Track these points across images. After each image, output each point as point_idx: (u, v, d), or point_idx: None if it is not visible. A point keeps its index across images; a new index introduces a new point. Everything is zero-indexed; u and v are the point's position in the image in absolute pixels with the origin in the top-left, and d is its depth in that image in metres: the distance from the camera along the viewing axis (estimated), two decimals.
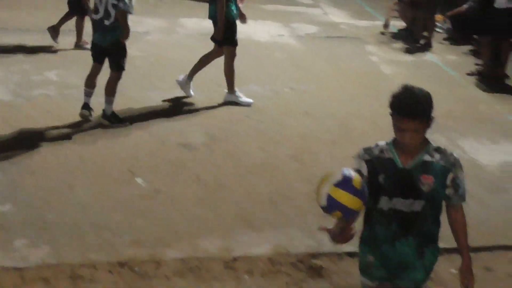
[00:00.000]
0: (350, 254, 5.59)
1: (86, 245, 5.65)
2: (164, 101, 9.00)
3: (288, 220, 6.30)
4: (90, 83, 8.11)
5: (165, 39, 11.57)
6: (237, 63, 10.34)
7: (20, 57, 10.21)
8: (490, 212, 6.61)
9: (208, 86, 9.58)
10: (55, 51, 10.49)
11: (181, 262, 5.49)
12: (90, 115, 8.04)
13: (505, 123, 8.92)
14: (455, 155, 3.64)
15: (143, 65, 9.63)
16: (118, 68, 8.05)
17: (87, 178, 6.89)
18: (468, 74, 10.48)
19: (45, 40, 10.90)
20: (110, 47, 8.00)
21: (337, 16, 13.76)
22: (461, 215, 3.69)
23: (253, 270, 5.42)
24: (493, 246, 5.96)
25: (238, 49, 11.01)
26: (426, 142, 3.58)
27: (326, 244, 5.55)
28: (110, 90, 8.02)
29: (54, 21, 11.13)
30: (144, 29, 10.77)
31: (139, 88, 9.03)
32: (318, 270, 5.50)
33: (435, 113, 7.99)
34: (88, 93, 8.07)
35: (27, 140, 7.60)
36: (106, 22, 7.84)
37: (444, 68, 10.72)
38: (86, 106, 8.03)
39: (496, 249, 5.95)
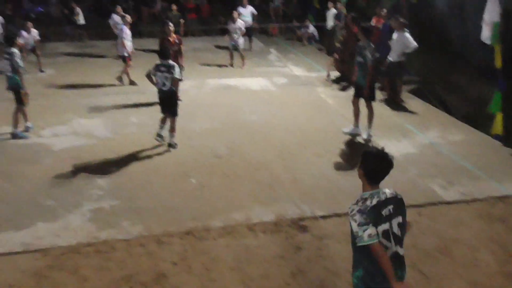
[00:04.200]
0: (323, 217, 5.91)
1: (164, 222, 5.89)
2: (200, 129, 9.06)
3: (282, 197, 6.44)
4: (162, 120, 8.20)
5: (198, 91, 11.58)
6: (240, 103, 10.64)
7: (113, 109, 10.27)
8: (399, 184, 6.51)
9: (220, 118, 9.65)
10: (135, 105, 10.45)
11: (222, 228, 5.71)
12: (160, 139, 8.16)
13: (403, 129, 8.92)
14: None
15: (186, 107, 9.72)
16: (174, 114, 8.19)
17: (160, 178, 7.08)
18: (379, 101, 10.64)
19: (125, 98, 11.00)
20: (168, 100, 8.11)
21: (298, 71, 13.71)
22: None
23: (265, 230, 5.68)
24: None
25: (241, 94, 11.29)
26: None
27: (307, 212, 6.01)
28: (173, 128, 8.18)
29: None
30: (184, 87, 10.90)
31: (185, 121, 8.96)
32: (304, 228, 5.69)
33: (363, 125, 8.18)
34: (161, 127, 8.16)
35: (122, 159, 7.77)
36: (164, 88, 7.96)
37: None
38: (159, 136, 8.15)
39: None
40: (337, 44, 12.71)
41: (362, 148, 8.13)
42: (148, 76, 8.06)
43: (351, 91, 11.41)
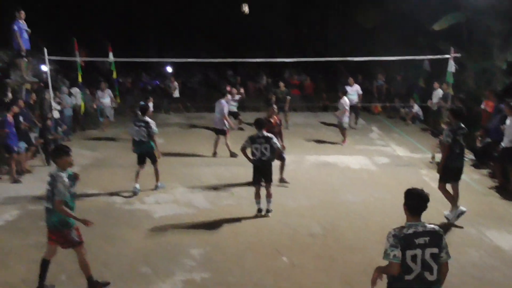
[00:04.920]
0: None
1: None
2: (296, 206, 9.00)
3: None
4: (257, 195, 8.46)
5: (297, 167, 11.62)
6: (339, 181, 10.50)
7: (214, 180, 10.63)
8: (510, 281, 6.16)
9: (317, 196, 9.56)
10: (234, 177, 10.73)
11: None
12: (261, 213, 8.44)
13: None
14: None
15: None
16: (271, 180, 8.43)
17: (252, 253, 7.03)
18: (489, 188, 10.04)
19: (225, 170, 11.36)
20: (266, 169, 8.34)
21: (400, 151, 13.44)
22: None
23: None
24: None
25: (340, 171, 11.16)
26: None
27: None
28: (270, 194, 8.42)
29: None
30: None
31: (282, 197, 9.12)
32: None
33: (467, 213, 7.77)
34: (258, 202, 8.47)
35: (218, 230, 7.89)
36: (264, 158, 8.22)
37: (472, 184, 10.31)
38: (259, 210, 8.48)
39: None
40: (443, 125, 12.31)
41: (463, 235, 7.65)
42: (243, 150, 8.44)
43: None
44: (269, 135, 8.36)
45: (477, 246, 7.20)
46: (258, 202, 8.47)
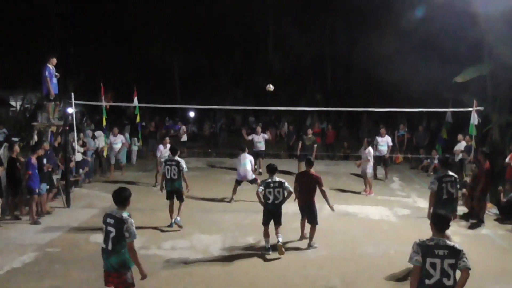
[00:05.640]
0: None
1: None
2: (315, 256, 8.77)
3: None
4: (266, 234, 8.95)
5: None
6: (358, 231, 10.34)
7: (232, 227, 10.58)
8: None
9: (337, 247, 9.34)
10: (253, 224, 10.62)
11: None
12: (268, 252, 8.78)
13: None
14: None
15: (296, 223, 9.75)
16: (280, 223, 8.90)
17: None
18: None
19: (244, 216, 11.31)
20: (279, 212, 8.92)
21: (422, 203, 13.08)
22: None
23: None
24: None
25: (360, 222, 11.00)
26: None
27: None
28: (278, 233, 8.89)
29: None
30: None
31: (299, 247, 9.05)
32: None
33: (492, 270, 7.58)
34: (267, 242, 8.92)
35: (234, 279, 7.75)
36: (277, 202, 8.81)
37: (496, 239, 9.99)
38: (266, 249, 8.89)
39: None
40: (466, 179, 12.10)
41: None
42: (258, 195, 8.89)
43: (480, 229, 10.63)
44: (282, 180, 8.87)
45: None
46: (267, 242, 8.92)
